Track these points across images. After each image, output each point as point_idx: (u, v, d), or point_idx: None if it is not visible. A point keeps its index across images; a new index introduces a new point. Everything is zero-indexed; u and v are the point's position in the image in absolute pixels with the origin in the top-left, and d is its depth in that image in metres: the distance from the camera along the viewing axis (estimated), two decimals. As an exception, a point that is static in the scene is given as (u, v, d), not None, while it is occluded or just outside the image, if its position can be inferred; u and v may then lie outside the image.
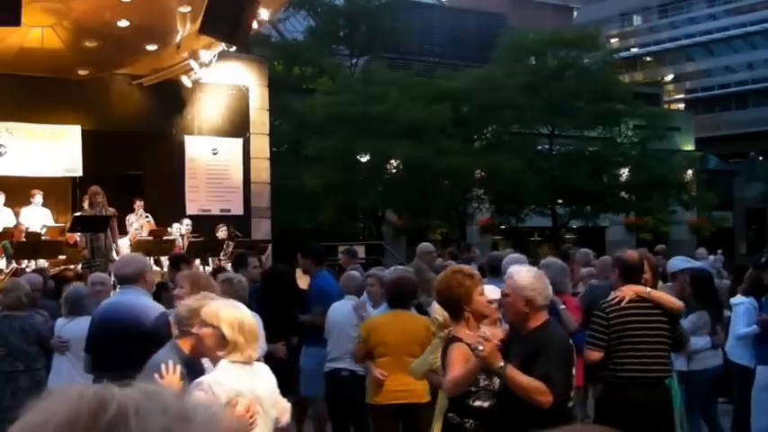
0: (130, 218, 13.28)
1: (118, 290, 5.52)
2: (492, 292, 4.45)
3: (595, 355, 5.03)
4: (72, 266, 11.76)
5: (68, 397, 0.78)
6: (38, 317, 6.46)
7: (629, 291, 5.11)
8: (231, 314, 3.60)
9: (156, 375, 3.53)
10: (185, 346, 3.82)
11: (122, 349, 4.68)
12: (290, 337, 6.99)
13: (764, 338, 7.44)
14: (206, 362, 3.86)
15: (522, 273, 4.09)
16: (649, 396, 4.92)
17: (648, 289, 5.18)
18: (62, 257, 12.01)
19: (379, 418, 5.96)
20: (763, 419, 7.17)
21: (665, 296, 5.24)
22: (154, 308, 4.92)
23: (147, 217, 13.44)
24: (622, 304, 5.08)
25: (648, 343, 5.04)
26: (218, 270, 10.55)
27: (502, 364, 3.83)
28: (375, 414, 6.03)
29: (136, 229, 13.11)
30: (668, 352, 5.16)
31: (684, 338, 5.58)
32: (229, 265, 12.54)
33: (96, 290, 6.51)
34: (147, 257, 6.97)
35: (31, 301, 6.57)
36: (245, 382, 3.55)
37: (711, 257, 15.56)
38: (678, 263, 7.69)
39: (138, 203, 13.41)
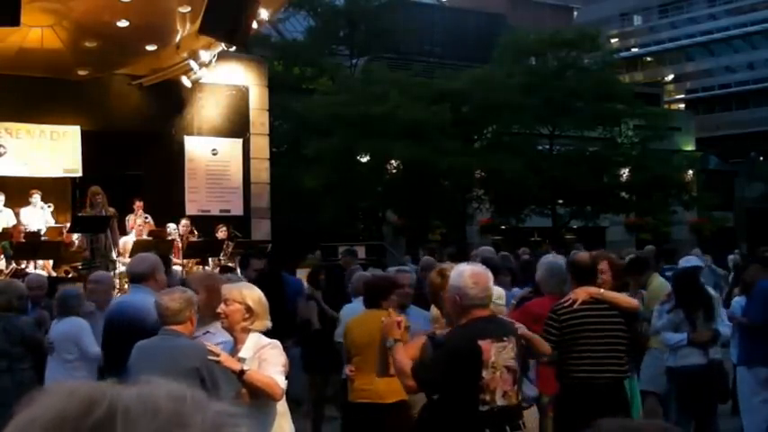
0: (130, 218, 13.23)
1: (130, 288, 5.68)
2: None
3: None
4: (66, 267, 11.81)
5: (61, 394, 0.76)
6: (24, 317, 6.47)
7: (582, 293, 5.08)
8: (251, 291, 4.38)
9: (215, 358, 4.09)
10: (186, 330, 4.37)
11: (128, 347, 4.82)
12: (284, 338, 6.88)
13: (741, 339, 7.54)
14: None
15: (457, 271, 4.18)
16: (604, 397, 4.88)
17: (602, 290, 5.13)
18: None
19: (347, 417, 6.04)
20: (747, 417, 7.33)
21: (619, 296, 5.17)
22: None
23: (146, 218, 13.41)
24: (575, 306, 5.05)
25: (603, 344, 4.99)
26: (224, 269, 10.57)
27: (389, 342, 4.25)
28: (344, 412, 6.11)
29: (139, 225, 13.05)
30: (623, 353, 5.07)
31: (644, 338, 5.47)
32: (230, 264, 12.57)
33: (90, 288, 6.59)
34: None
35: (22, 304, 6.56)
36: None
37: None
38: (691, 261, 7.78)
39: (138, 204, 13.38)
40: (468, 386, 3.97)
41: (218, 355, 4.11)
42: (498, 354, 3.99)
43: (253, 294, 4.36)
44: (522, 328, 4.34)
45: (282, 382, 4.23)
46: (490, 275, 4.17)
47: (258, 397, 4.18)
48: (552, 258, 6.22)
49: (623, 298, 5.17)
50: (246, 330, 4.30)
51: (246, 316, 4.29)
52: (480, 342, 3.97)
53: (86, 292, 6.61)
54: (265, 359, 4.22)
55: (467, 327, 4.09)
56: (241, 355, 4.23)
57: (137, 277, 5.27)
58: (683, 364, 6.70)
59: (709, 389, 6.74)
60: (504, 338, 4.06)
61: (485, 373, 3.95)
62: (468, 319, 4.08)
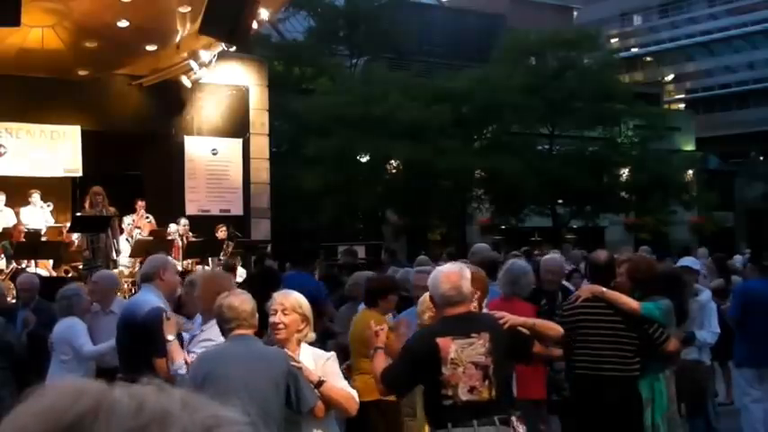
0: (127, 219, 13.17)
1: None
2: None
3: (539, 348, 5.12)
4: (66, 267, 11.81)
5: (57, 387, 0.77)
6: None
7: (585, 290, 5.18)
8: (304, 299, 4.14)
9: (297, 365, 3.87)
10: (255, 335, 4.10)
11: (127, 345, 5.15)
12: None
13: (735, 341, 7.59)
14: None
15: (433, 272, 4.28)
16: (606, 393, 4.89)
17: (603, 289, 5.14)
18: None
19: None
20: (742, 417, 7.48)
21: (620, 297, 5.13)
22: (148, 303, 5.07)
23: (147, 218, 13.41)
24: (576, 303, 5.12)
25: (602, 341, 5.02)
26: (232, 268, 10.56)
27: (372, 350, 4.36)
28: None
29: (129, 225, 12.97)
30: (629, 352, 5.04)
31: (657, 341, 5.35)
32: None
33: (90, 288, 6.69)
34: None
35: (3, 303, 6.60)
36: None
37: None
38: (685, 261, 7.80)
39: (140, 204, 13.37)
40: (429, 382, 4.07)
41: (298, 363, 3.85)
42: (461, 350, 3.99)
43: (305, 303, 4.11)
44: (515, 320, 4.31)
45: (357, 396, 4.10)
46: (465, 274, 4.12)
47: (331, 410, 4.03)
48: (515, 261, 6.34)
49: (624, 299, 5.16)
50: (299, 342, 4.04)
51: (302, 326, 4.04)
52: (438, 340, 4.01)
53: (89, 293, 6.66)
54: (331, 372, 4.02)
55: (430, 326, 4.22)
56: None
57: (144, 278, 5.45)
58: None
59: (681, 390, 6.75)
60: (473, 335, 4.03)
61: (444, 370, 3.99)
62: (439, 319, 4.16)
